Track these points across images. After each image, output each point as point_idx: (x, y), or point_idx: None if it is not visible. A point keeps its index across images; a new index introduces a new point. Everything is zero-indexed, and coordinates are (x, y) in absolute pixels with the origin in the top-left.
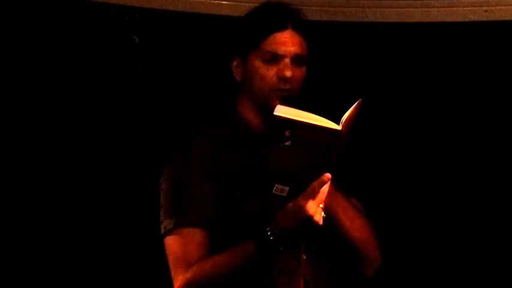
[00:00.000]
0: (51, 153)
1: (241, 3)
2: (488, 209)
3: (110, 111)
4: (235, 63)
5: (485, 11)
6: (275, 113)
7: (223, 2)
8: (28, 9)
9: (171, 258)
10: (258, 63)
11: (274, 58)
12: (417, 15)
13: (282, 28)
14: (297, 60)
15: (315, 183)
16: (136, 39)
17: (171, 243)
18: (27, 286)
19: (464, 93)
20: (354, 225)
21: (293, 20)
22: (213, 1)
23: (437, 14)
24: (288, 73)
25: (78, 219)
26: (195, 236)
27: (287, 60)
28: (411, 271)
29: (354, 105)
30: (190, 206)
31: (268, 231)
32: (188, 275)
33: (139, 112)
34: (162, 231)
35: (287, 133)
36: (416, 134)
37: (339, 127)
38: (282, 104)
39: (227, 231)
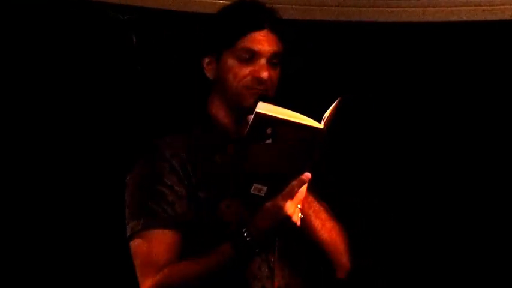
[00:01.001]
0: (47, 152)
1: (215, 1)
2: (479, 205)
3: (107, 110)
4: (206, 61)
5: (483, 10)
6: (257, 110)
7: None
8: (26, 9)
9: (138, 262)
10: (232, 62)
11: (250, 57)
12: (413, 15)
13: (258, 27)
14: (273, 60)
15: (294, 182)
16: (134, 38)
17: (139, 245)
18: (27, 286)
19: (461, 93)
20: (325, 227)
21: (270, 19)
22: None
23: (434, 14)
24: (265, 74)
25: (78, 220)
26: (164, 237)
27: (263, 60)
28: (401, 270)
29: (334, 103)
30: (160, 207)
31: (244, 231)
32: (158, 278)
33: (137, 111)
34: (129, 232)
35: (268, 131)
36: (405, 132)
37: (321, 125)
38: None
39: (200, 233)
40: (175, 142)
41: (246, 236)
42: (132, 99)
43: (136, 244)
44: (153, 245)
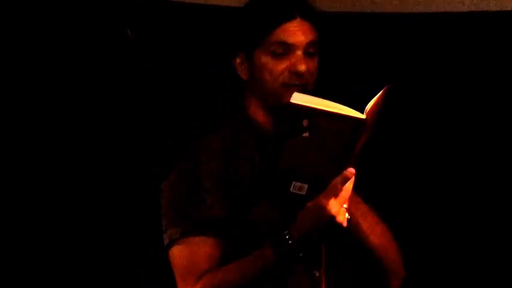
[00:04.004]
0: (46, 152)
1: None
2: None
3: (108, 109)
4: (238, 61)
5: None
6: (292, 101)
7: None
8: (21, 6)
9: (178, 270)
10: (265, 59)
11: (285, 50)
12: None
13: (289, 18)
14: (309, 50)
15: (337, 179)
16: (129, 33)
17: (178, 253)
18: (27, 286)
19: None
20: (375, 232)
21: (301, 8)
22: None
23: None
24: (302, 67)
25: (77, 221)
26: (204, 245)
27: (299, 52)
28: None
29: (380, 92)
30: (198, 213)
31: (286, 234)
32: (198, 286)
33: (140, 111)
34: (167, 241)
35: (305, 123)
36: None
37: (363, 116)
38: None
39: (239, 239)
40: (212, 144)
41: (288, 239)
42: (133, 97)
43: (175, 252)
44: (193, 253)
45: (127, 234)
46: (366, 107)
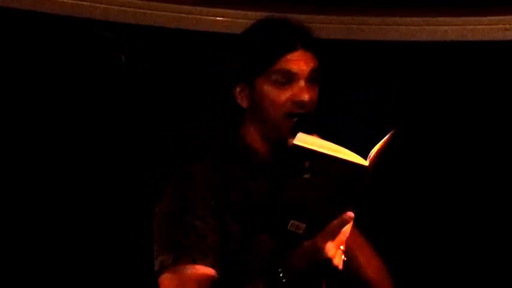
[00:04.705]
0: (47, 152)
1: (237, 20)
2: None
3: (108, 109)
4: (238, 89)
5: (506, 29)
6: (295, 142)
7: (218, 19)
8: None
9: None
10: (268, 88)
11: (287, 80)
12: (434, 34)
13: (292, 49)
14: (311, 79)
15: (336, 222)
16: (123, 58)
17: (168, 281)
18: (27, 286)
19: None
20: (371, 265)
21: (302, 38)
22: (207, 17)
23: (454, 33)
24: (306, 96)
25: (77, 221)
26: (195, 273)
27: (302, 81)
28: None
29: (385, 138)
30: (191, 240)
31: (280, 272)
32: None
33: (140, 111)
34: (157, 267)
35: (307, 164)
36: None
37: (366, 162)
38: (295, 130)
39: (233, 270)
40: (207, 170)
41: (282, 277)
42: (139, 97)
43: (165, 280)
44: (184, 282)
45: (126, 234)
46: (370, 153)
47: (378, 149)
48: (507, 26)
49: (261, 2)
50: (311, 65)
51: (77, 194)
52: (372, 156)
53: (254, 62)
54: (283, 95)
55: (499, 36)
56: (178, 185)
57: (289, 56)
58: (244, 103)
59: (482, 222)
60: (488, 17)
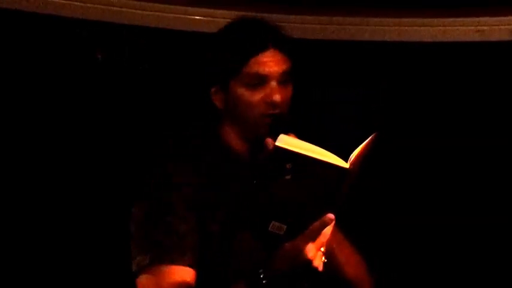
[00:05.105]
0: (47, 153)
1: (216, 19)
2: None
3: (108, 109)
4: (213, 90)
5: (478, 31)
6: (277, 144)
7: (197, 18)
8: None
9: None
10: (241, 90)
11: (259, 81)
12: (407, 34)
13: (262, 49)
14: (283, 80)
15: (316, 223)
16: (100, 57)
17: (146, 282)
18: (27, 286)
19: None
20: (350, 262)
21: (273, 38)
22: (187, 16)
23: (429, 34)
24: (277, 97)
25: (77, 221)
26: (174, 274)
27: (273, 83)
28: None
29: (366, 141)
30: (169, 240)
31: (261, 273)
32: None
33: (140, 111)
34: (134, 268)
35: (288, 166)
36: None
37: (346, 165)
38: (272, 130)
39: (213, 271)
40: (186, 169)
41: (263, 278)
42: (139, 97)
43: (143, 281)
44: (162, 282)
45: (126, 234)
46: (351, 156)
47: (359, 152)
48: (479, 28)
49: (255, 2)
50: (282, 66)
51: (77, 194)
52: (352, 158)
53: (226, 64)
54: (256, 96)
55: (470, 37)
56: (157, 185)
57: (260, 57)
58: (220, 104)
59: (474, 223)
60: (462, 18)
